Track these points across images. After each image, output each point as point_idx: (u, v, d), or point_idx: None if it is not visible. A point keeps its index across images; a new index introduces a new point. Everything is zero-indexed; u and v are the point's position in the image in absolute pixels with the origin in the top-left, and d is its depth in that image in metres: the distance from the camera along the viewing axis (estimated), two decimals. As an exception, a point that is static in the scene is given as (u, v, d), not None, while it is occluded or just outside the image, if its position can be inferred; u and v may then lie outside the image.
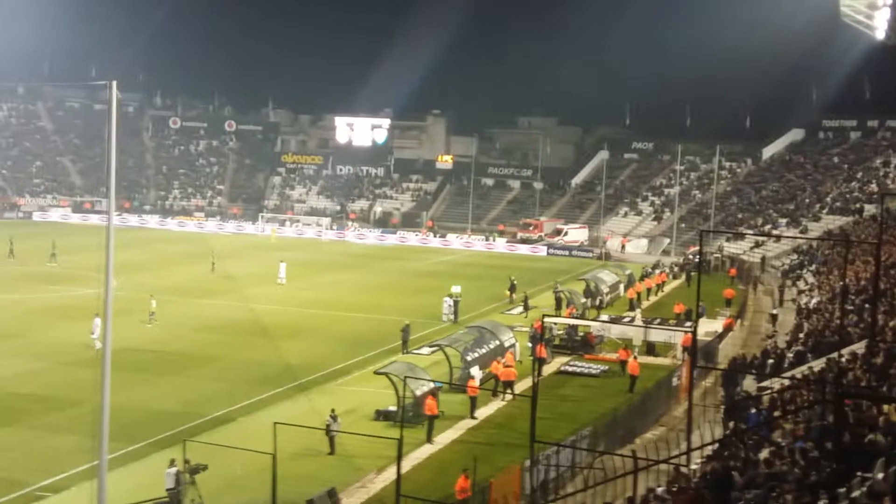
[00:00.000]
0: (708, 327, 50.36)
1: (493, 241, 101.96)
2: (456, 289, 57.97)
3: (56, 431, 32.62)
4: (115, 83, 23.35)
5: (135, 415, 34.15)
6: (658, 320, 53.63)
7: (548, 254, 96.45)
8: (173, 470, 26.54)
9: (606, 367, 44.28)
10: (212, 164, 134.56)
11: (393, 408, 34.89)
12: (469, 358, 40.25)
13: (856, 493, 14.29)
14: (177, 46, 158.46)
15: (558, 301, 59.11)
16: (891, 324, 31.71)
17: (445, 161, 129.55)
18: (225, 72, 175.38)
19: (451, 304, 55.89)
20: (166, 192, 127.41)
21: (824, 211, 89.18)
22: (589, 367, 44.27)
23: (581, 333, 48.82)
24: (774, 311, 55.85)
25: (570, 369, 44.13)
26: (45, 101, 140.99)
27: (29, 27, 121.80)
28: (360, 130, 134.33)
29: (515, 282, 64.52)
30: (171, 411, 35.26)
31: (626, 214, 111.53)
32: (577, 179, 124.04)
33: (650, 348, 47.75)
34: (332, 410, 32.08)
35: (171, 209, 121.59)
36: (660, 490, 20.24)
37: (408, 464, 29.58)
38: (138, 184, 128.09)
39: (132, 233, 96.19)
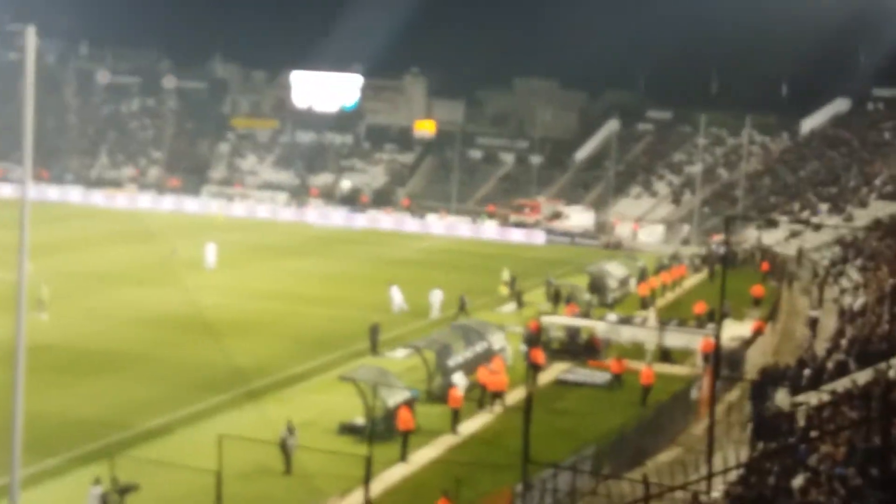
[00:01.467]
0: (734, 331, 50.48)
1: (482, 224, 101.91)
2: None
3: (-42, 443, 32.48)
4: (33, 29, 23.22)
5: (53, 424, 34.06)
6: (675, 322, 53.82)
7: (546, 241, 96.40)
8: (98, 490, 26.52)
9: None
10: (147, 127, 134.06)
11: (360, 420, 34.96)
12: (451, 363, 40.31)
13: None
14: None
15: (556, 297, 59.22)
16: (949, 330, 31.93)
17: (426, 129, 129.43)
18: (164, 17, 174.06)
19: (440, 299, 56.37)
20: (92, 159, 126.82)
21: (873, 195, 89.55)
22: (593, 376, 44.42)
23: (584, 336, 48.96)
24: (812, 313, 56.11)
25: (571, 378, 44.28)
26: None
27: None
28: (324, 90, 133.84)
29: (512, 275, 64.33)
30: (96, 420, 35.22)
31: (638, 196, 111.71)
32: (581, 153, 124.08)
33: (665, 354, 47.90)
34: (289, 422, 32.11)
35: (98, 180, 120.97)
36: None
37: (377, 486, 29.66)
38: (59, 149, 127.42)
39: (51, 208, 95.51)
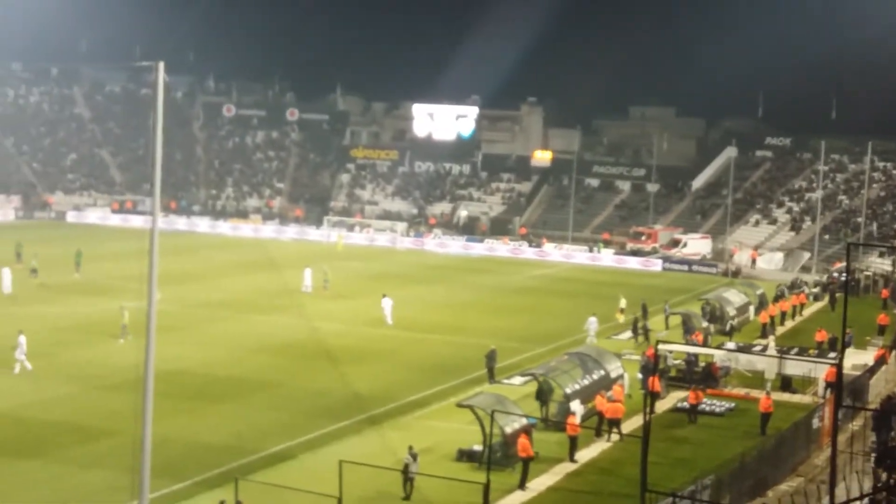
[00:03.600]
0: (856, 359, 49.43)
1: (598, 252, 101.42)
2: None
3: (89, 466, 33.29)
4: (162, 64, 23.79)
5: (179, 448, 34.70)
6: (796, 350, 52.94)
7: (663, 268, 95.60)
8: (223, 513, 26.88)
9: (733, 405, 43.86)
10: (270, 158, 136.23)
11: (478, 447, 34.88)
12: (569, 390, 40.09)
13: None
14: (233, 23, 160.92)
15: (686, 326, 57.89)
16: None
17: (542, 158, 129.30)
18: (287, 52, 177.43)
19: (595, 326, 56.76)
20: (218, 190, 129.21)
21: None
22: (712, 404, 43.84)
23: (702, 364, 48.35)
24: (937, 342, 54.68)
25: (689, 406, 43.71)
26: (81, 85, 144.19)
27: None
28: (442, 121, 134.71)
29: (644, 304, 63.47)
30: (222, 445, 35.75)
31: (757, 223, 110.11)
32: (698, 181, 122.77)
33: (786, 383, 47.13)
34: (411, 448, 32.16)
35: (223, 210, 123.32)
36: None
37: (495, 513, 29.59)
38: (187, 181, 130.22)
39: (179, 238, 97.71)
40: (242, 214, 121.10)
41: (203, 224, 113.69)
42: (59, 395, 41.37)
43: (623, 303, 64.23)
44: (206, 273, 76.80)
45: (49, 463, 33.44)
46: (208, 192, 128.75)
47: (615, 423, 38.78)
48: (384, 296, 60.05)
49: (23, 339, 43.97)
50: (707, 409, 43.37)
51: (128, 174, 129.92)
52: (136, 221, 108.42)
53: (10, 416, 38.21)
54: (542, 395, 41.19)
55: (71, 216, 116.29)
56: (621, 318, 62.74)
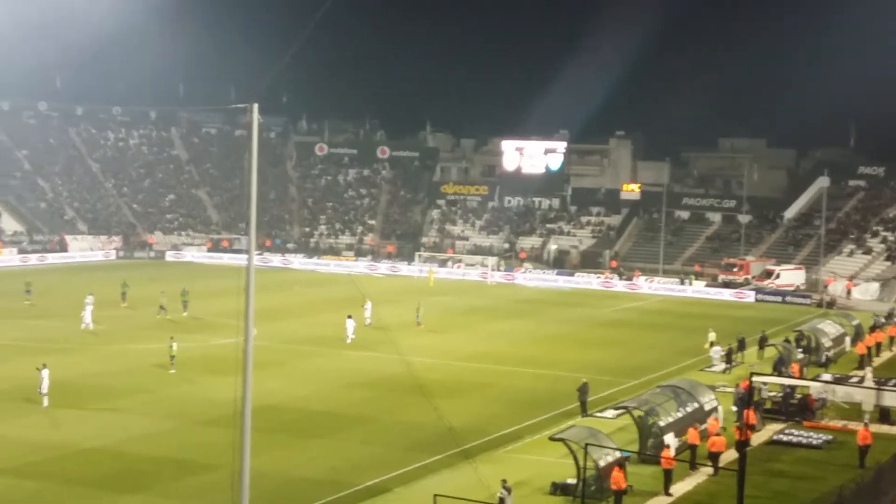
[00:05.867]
0: (957, 390, 48.24)
1: (690, 284, 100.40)
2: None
3: (190, 500, 33.65)
4: (256, 106, 24.16)
5: (276, 482, 34.96)
6: (894, 381, 51.85)
7: (756, 300, 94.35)
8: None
9: (831, 437, 43.08)
10: (362, 195, 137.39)
11: (572, 480, 34.68)
12: (663, 423, 39.66)
13: None
14: (324, 64, 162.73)
15: (781, 357, 56.77)
16: None
17: (632, 190, 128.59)
18: (377, 91, 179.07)
19: (720, 353, 58.12)
20: (311, 228, 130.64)
21: None
22: (808, 437, 43.15)
23: (799, 396, 47.55)
24: None
25: (786, 439, 43.11)
26: (179, 127, 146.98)
27: (161, 45, 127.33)
28: (531, 156, 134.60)
29: (740, 337, 62.95)
30: (317, 479, 35.93)
31: (851, 253, 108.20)
32: (790, 212, 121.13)
33: (884, 414, 46.19)
34: (504, 481, 32.02)
35: (316, 247, 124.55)
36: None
37: (590, 547, 29.28)
38: (281, 219, 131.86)
39: (274, 274, 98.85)
40: (335, 251, 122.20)
41: (297, 261, 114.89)
42: (159, 430, 41.93)
43: (712, 336, 63.31)
44: (300, 309, 77.49)
45: (151, 497, 33.86)
46: (302, 230, 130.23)
47: (715, 456, 38.22)
48: (349, 316, 63.50)
49: (45, 373, 44.64)
50: (804, 441, 42.67)
51: (224, 213, 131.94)
52: (233, 259, 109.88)
53: (112, 450, 38.85)
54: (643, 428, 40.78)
55: (170, 255, 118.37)
56: (711, 351, 61.87)
